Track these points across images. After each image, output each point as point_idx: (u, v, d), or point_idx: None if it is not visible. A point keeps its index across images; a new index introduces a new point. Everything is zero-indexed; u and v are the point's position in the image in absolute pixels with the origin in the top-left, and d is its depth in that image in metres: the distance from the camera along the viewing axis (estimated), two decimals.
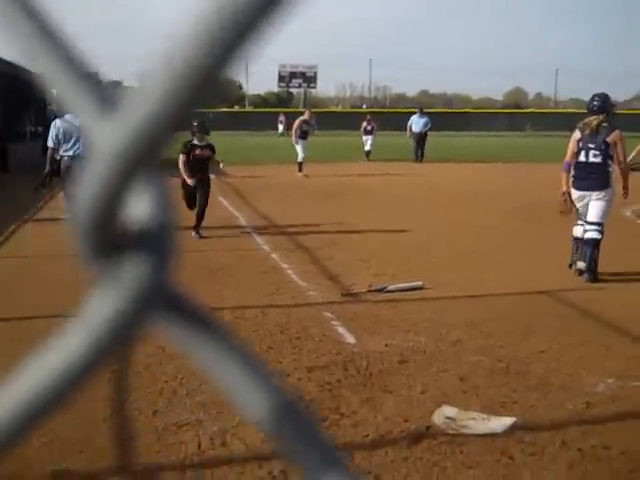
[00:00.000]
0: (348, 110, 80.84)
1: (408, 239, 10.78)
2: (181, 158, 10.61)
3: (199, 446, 4.05)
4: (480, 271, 8.64)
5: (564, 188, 8.39)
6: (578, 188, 8.22)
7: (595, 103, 8.26)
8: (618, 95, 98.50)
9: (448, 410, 4.43)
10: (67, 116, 10.13)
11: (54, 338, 0.41)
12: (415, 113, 29.11)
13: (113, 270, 0.40)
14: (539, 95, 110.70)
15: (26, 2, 0.39)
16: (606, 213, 8.14)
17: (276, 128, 55.95)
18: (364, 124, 29.37)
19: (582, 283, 7.93)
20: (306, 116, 22.64)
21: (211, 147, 11.10)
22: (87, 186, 0.37)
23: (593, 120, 8.17)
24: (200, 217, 10.77)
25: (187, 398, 4.66)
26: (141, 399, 4.64)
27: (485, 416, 4.35)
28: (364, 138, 29.14)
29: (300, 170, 21.31)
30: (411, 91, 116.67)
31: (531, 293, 7.52)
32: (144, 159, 0.37)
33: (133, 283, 0.40)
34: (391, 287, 7.55)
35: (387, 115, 67.09)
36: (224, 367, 0.43)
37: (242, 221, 12.45)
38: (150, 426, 4.24)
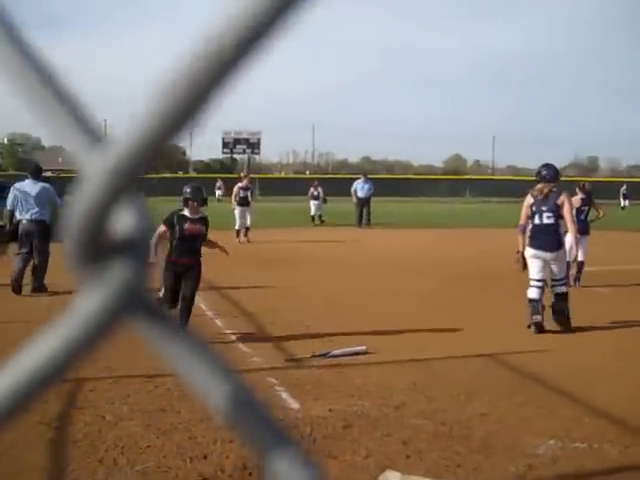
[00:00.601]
0: (292, 176, 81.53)
1: (351, 304, 10.81)
2: (160, 229, 8.07)
3: None
4: (422, 335, 8.70)
5: (520, 248, 9.16)
6: (533, 247, 8.99)
7: (545, 172, 9.26)
8: (553, 163, 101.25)
9: (392, 475, 4.41)
10: (26, 181, 10.68)
11: (48, 327, 0.47)
12: (359, 179, 29.22)
13: (100, 273, 0.46)
14: (477, 162, 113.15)
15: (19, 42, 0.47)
16: (565, 267, 9.18)
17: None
18: (311, 190, 29.57)
19: (522, 345, 8.02)
20: (244, 182, 22.82)
21: (205, 221, 8.49)
22: (79, 202, 0.45)
23: (544, 187, 9.11)
24: (186, 315, 8.04)
25: (127, 467, 4.56)
26: (80, 469, 4.53)
27: None
28: (311, 203, 29.43)
29: (237, 236, 21.17)
30: (353, 157, 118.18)
31: (473, 356, 7.59)
32: (127, 181, 0.45)
33: (118, 284, 0.47)
34: (335, 352, 7.54)
35: (330, 181, 67.86)
36: (189, 362, 0.49)
37: None
38: None
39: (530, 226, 9.13)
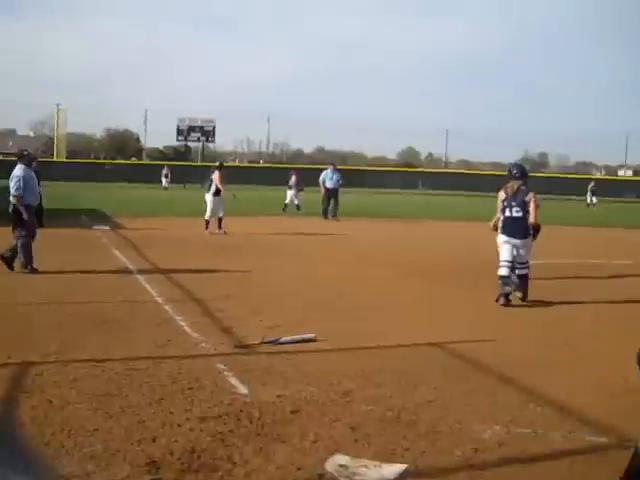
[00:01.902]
0: (246, 165, 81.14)
1: (303, 292, 10.85)
2: None
3: None
4: (373, 323, 8.78)
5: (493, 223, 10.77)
6: (505, 234, 10.44)
7: (515, 171, 10.66)
8: (504, 158, 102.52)
9: (341, 458, 4.45)
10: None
11: None
12: (327, 169, 28.45)
13: None
14: (430, 155, 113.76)
15: None
16: (529, 254, 10.47)
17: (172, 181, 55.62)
18: (293, 178, 30.35)
19: (470, 335, 8.13)
20: (221, 172, 20.79)
21: None
22: None
23: (514, 184, 10.45)
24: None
25: (75, 450, 4.52)
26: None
27: (377, 463, 4.39)
28: (288, 192, 30.36)
29: (207, 227, 19.98)
30: (308, 147, 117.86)
31: (421, 345, 7.67)
32: None
33: None
34: (284, 339, 7.56)
35: (285, 171, 67.74)
36: None
37: (135, 273, 12.25)
38: None
39: (502, 217, 10.46)
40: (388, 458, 4.52)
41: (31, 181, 11.93)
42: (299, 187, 29.97)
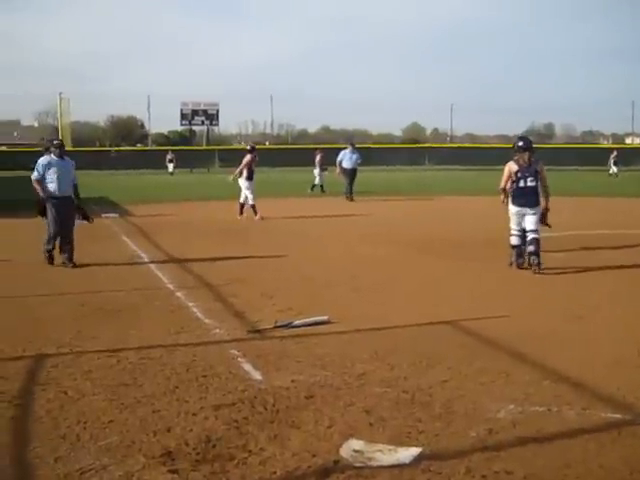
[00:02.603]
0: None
1: (314, 274, 10.85)
2: None
3: None
4: (384, 303, 8.78)
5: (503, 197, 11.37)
6: (517, 205, 11.02)
7: (522, 143, 11.17)
8: (510, 130, 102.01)
9: (355, 443, 4.46)
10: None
11: None
12: (346, 148, 27.44)
13: None
14: (436, 130, 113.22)
15: None
16: (538, 222, 10.93)
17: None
18: (318, 158, 30.56)
19: (482, 312, 8.12)
20: (254, 154, 20.13)
21: None
22: None
23: (525, 156, 10.99)
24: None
25: (91, 443, 4.55)
26: (42, 446, 4.50)
27: (392, 447, 4.40)
28: (315, 172, 30.49)
29: (256, 213, 19.17)
30: (312, 128, 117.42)
31: (434, 324, 7.67)
32: None
33: None
34: (296, 322, 7.56)
35: (290, 152, 67.62)
36: None
37: (146, 260, 12.28)
38: (52, 473, 4.12)
39: (515, 187, 11.00)
40: (403, 441, 4.52)
41: (55, 169, 11.62)
42: (323, 167, 29.68)
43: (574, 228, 15.64)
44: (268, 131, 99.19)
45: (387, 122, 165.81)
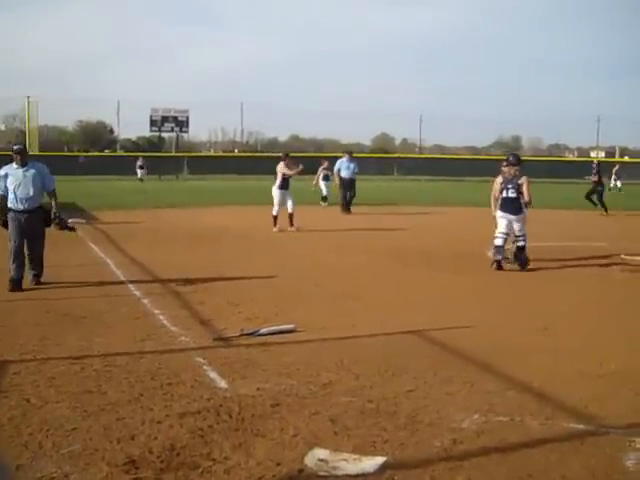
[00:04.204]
0: (221, 155, 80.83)
1: (280, 283, 10.84)
2: None
3: None
4: (351, 312, 8.80)
5: (493, 212, 12.87)
6: (502, 211, 12.62)
7: (511, 159, 12.92)
8: (478, 142, 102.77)
9: (320, 452, 4.46)
10: None
11: None
12: (343, 157, 26.19)
13: None
14: (405, 141, 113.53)
15: None
16: (524, 227, 12.49)
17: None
18: (321, 169, 29.01)
19: (448, 322, 8.16)
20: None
21: None
22: None
23: (511, 169, 12.65)
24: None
25: (53, 450, 4.50)
26: (4, 454, 4.45)
27: (356, 456, 4.41)
28: (321, 183, 28.85)
29: (275, 225, 18.65)
30: (282, 136, 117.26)
31: (400, 333, 7.70)
32: None
33: None
34: (263, 330, 7.56)
35: (259, 160, 67.58)
36: None
37: (112, 267, 12.19)
38: None
39: (501, 197, 12.61)
40: (368, 450, 4.54)
41: (12, 179, 10.26)
42: (326, 178, 28.77)
43: (541, 240, 15.79)
44: (238, 139, 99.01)
45: (356, 131, 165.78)
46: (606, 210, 24.96)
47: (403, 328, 7.88)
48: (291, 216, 18.76)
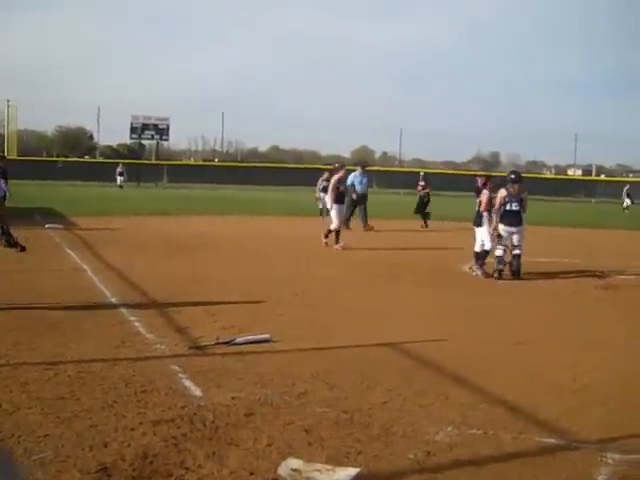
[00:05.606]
0: (201, 163, 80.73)
1: (257, 292, 10.82)
2: None
3: None
4: (327, 323, 8.82)
5: (494, 225, 13.77)
6: (506, 225, 13.58)
7: (514, 176, 13.86)
8: (456, 157, 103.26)
9: (293, 462, 4.45)
10: None
11: None
12: (355, 170, 24.15)
13: None
14: (385, 154, 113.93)
15: None
16: (523, 238, 13.60)
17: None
18: (320, 180, 25.44)
19: (423, 335, 8.19)
20: (341, 173, 18.42)
21: None
22: None
23: (515, 186, 13.57)
24: None
25: (24, 457, 4.46)
26: None
27: (330, 467, 4.40)
28: (322, 195, 24.10)
29: (327, 237, 17.67)
30: (263, 146, 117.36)
31: (376, 345, 7.71)
32: None
33: None
34: (239, 340, 7.55)
35: (238, 169, 67.57)
36: None
37: (89, 273, 12.12)
38: None
39: (503, 210, 13.52)
40: (341, 461, 4.54)
41: None
42: (324, 189, 27.12)
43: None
44: (218, 148, 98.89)
45: (337, 143, 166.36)
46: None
47: (379, 340, 7.89)
48: (334, 230, 17.72)
